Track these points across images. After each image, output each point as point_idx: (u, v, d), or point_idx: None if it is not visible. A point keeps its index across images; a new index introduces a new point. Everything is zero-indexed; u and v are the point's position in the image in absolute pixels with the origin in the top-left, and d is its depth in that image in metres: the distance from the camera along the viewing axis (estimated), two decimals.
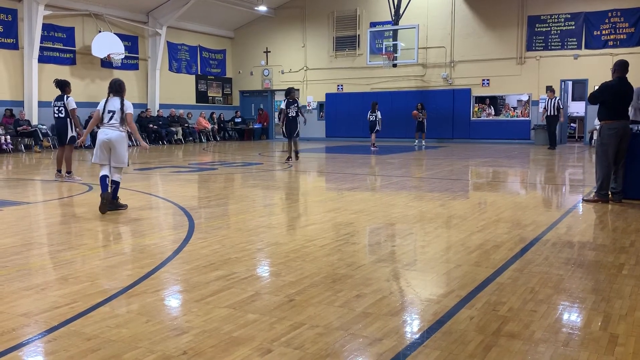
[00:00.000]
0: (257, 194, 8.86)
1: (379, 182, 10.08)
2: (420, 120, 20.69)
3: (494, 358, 2.76)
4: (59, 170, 10.62)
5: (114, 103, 7.04)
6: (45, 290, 3.87)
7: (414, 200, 8.00)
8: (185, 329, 3.12)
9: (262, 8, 24.46)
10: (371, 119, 18.79)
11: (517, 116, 22.38)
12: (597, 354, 2.81)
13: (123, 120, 7.02)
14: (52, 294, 3.79)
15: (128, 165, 7.44)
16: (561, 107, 18.71)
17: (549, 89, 18.98)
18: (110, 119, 6.98)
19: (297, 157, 14.35)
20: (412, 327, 3.25)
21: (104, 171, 7.06)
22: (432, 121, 23.11)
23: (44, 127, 18.73)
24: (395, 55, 21.96)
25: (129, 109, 7.10)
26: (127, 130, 7.26)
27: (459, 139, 22.84)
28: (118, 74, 22.01)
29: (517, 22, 21.65)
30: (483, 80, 22.45)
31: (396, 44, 21.93)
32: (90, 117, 12.11)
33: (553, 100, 18.54)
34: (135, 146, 19.03)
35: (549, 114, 18.58)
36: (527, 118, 21.85)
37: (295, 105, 14.20)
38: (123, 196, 8.24)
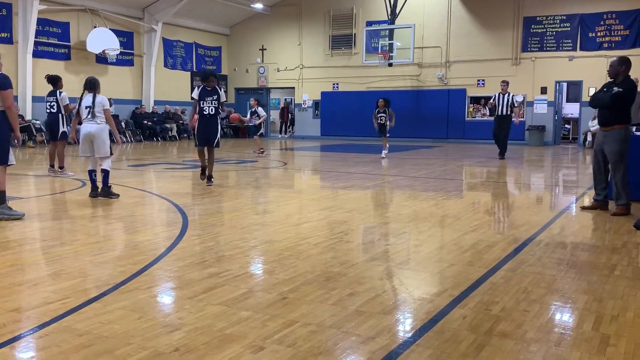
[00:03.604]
0: (251, 192, 8.84)
1: (373, 181, 10.08)
2: (381, 122, 15.10)
3: (486, 357, 2.77)
4: (52, 166, 10.57)
5: (89, 99, 7.60)
6: (37, 286, 3.85)
7: (408, 200, 8.01)
8: (178, 325, 3.12)
9: (258, 5, 24.40)
10: (255, 122, 15.49)
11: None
12: (589, 354, 2.82)
13: (100, 114, 7.55)
14: (44, 289, 3.77)
15: (112, 154, 7.90)
16: (516, 105, 14.84)
17: (503, 82, 15.01)
18: (89, 114, 7.55)
19: (210, 180, 9.15)
20: (405, 325, 3.25)
21: (90, 165, 7.76)
22: (427, 121, 23.17)
23: (38, 122, 18.64)
24: (391, 54, 21.96)
25: (106, 104, 7.66)
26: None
27: (453, 139, 22.87)
28: (113, 70, 21.97)
29: (513, 23, 21.69)
30: (478, 80, 22.49)
31: (392, 43, 21.93)
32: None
33: (506, 96, 14.68)
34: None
35: (499, 113, 14.70)
36: (522, 119, 21.87)
37: (215, 98, 8.92)
38: (116, 192, 8.20)
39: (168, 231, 5.74)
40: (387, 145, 15.50)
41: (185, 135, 23.89)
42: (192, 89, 25.82)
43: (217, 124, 9.12)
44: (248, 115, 15.71)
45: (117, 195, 7.68)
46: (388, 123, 15.04)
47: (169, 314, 3.42)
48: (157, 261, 4.51)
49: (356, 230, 6.05)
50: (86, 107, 7.56)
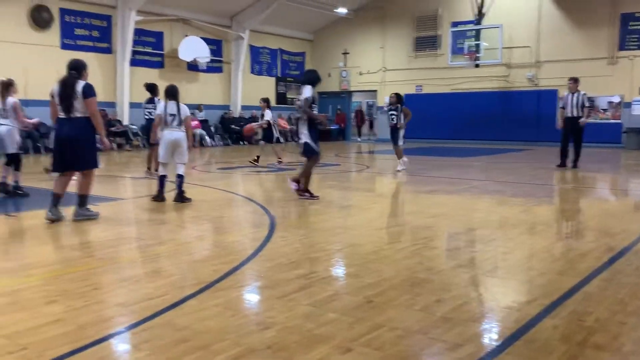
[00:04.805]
0: (335, 195, 8.94)
1: (459, 186, 9.91)
2: (395, 125, 12.31)
3: None
4: (149, 168, 11.18)
5: (173, 107, 7.77)
6: (139, 282, 4.12)
7: (496, 205, 7.82)
8: (269, 324, 3.24)
9: (342, 10, 24.61)
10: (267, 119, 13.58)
11: (607, 119, 21.29)
12: None
13: (182, 122, 7.76)
14: (145, 285, 4.03)
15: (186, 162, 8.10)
16: (587, 104, 12.73)
17: (572, 80, 12.95)
18: (173, 121, 7.74)
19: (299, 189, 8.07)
20: (493, 334, 3.21)
21: (164, 171, 7.90)
22: (516, 123, 22.42)
23: (135, 127, 19.73)
24: (477, 55, 21.49)
25: (187, 112, 7.85)
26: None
27: (544, 142, 21.98)
28: (203, 77, 22.90)
29: (609, 20, 20.59)
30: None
31: (479, 44, 21.47)
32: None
33: (576, 95, 12.69)
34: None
35: (568, 114, 12.70)
36: (619, 121, 20.75)
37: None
38: (206, 194, 8.57)
39: (255, 232, 5.94)
40: (403, 157, 12.30)
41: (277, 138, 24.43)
42: (278, 94, 26.62)
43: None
44: (260, 119, 14.25)
45: (190, 200, 7.73)
46: (399, 125, 12.25)
47: (260, 312, 3.57)
48: (247, 261, 4.70)
49: (441, 236, 5.99)
50: (171, 115, 7.71)
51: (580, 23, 21.13)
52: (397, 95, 12.48)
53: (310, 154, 7.94)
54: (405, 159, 12.31)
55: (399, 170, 11.99)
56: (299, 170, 8.07)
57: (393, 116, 12.26)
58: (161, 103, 8.06)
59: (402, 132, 12.35)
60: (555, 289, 3.94)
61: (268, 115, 13.59)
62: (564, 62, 21.41)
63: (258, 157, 13.62)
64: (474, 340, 3.04)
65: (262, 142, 14.29)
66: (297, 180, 8.05)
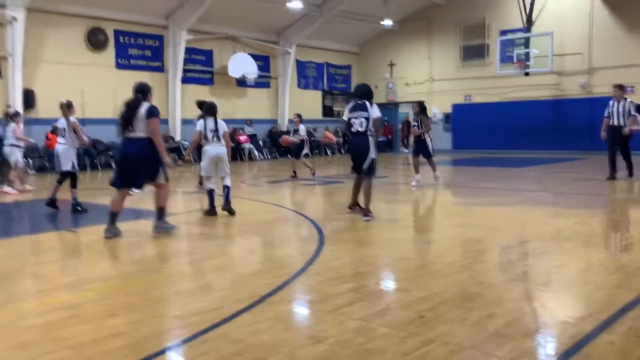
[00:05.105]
0: (383, 208, 8.92)
1: (511, 197, 9.73)
2: (418, 136, 11.79)
3: None
4: (200, 183, 11.45)
5: (212, 123, 8.08)
6: (194, 295, 4.24)
7: (549, 217, 7.65)
8: (320, 338, 3.29)
9: (388, 22, 24.66)
10: (298, 136, 13.81)
11: None
12: None
13: (221, 137, 8.08)
14: (200, 298, 4.15)
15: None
16: (633, 112, 11.80)
17: (617, 87, 12.07)
18: (214, 136, 8.05)
19: (366, 214, 7.48)
20: (548, 349, 3.16)
21: (212, 184, 8.19)
22: (569, 132, 21.85)
23: (186, 142, 20.22)
24: (527, 63, 21.10)
25: (225, 127, 8.18)
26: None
27: (598, 151, 21.26)
28: (252, 92, 23.34)
29: None
30: (626, 87, 20.80)
31: (528, 52, 21.08)
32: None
33: (622, 103, 11.83)
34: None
35: (613, 123, 11.79)
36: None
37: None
38: (255, 207, 8.72)
39: (305, 246, 6.02)
40: (418, 170, 11.73)
41: (317, 151, 24.64)
42: (324, 107, 26.88)
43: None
44: (291, 134, 14.25)
45: (234, 213, 7.94)
46: (427, 139, 11.64)
47: (311, 326, 3.62)
48: (298, 275, 4.76)
49: (493, 249, 5.91)
50: (211, 131, 8.02)
51: (635, 27, 20.47)
52: (420, 105, 11.95)
53: (372, 172, 7.63)
54: (420, 176, 11.67)
55: (435, 182, 11.59)
56: (362, 200, 7.69)
57: (416, 127, 11.78)
58: (200, 120, 8.31)
59: (429, 142, 11.68)
60: (612, 303, 3.84)
61: (302, 130, 13.77)
62: (618, 69, 20.75)
63: (295, 172, 13.85)
64: (527, 356, 3.01)
65: (292, 158, 14.52)
66: (367, 210, 7.53)
